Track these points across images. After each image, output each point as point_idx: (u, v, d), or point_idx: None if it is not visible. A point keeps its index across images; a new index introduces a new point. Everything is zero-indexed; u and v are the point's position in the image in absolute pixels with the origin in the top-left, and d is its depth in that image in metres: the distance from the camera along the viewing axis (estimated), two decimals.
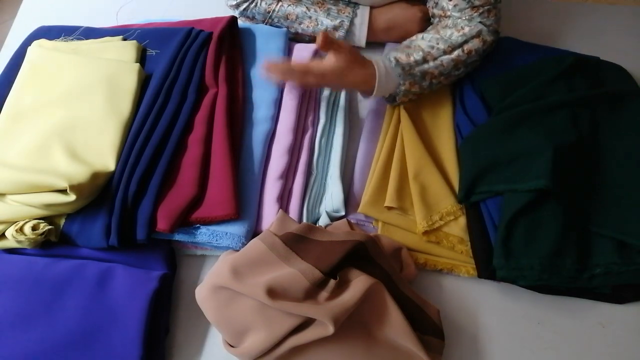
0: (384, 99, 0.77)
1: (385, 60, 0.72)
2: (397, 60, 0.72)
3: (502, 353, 0.64)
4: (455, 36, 0.75)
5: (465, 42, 0.75)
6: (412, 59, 0.73)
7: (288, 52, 0.85)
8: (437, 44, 0.74)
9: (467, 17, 0.76)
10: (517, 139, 0.70)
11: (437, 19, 0.80)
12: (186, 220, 0.65)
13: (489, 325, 0.65)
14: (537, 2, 0.98)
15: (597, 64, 0.82)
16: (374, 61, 0.72)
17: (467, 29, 0.75)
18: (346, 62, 0.68)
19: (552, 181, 0.62)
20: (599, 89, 0.78)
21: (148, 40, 0.81)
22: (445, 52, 0.74)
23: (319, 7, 0.84)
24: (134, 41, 0.79)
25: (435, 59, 0.73)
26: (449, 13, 0.77)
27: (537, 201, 0.64)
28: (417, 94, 0.75)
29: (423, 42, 0.75)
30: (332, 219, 0.70)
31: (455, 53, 0.74)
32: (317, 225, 0.69)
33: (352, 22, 0.84)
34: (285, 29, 0.85)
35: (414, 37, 0.78)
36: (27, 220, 0.61)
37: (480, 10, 0.76)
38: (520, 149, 0.68)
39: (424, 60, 0.73)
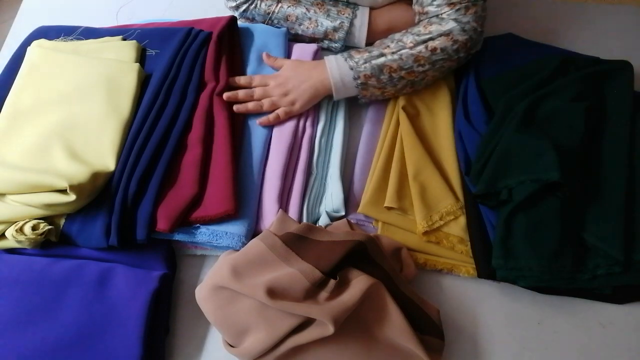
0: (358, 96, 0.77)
1: (338, 57, 0.76)
2: (349, 55, 0.75)
3: (502, 353, 0.64)
4: (421, 32, 0.73)
5: (431, 39, 0.72)
6: (367, 52, 0.74)
7: (288, 52, 0.84)
8: (402, 37, 0.74)
9: (442, 14, 0.74)
10: (527, 136, 0.69)
11: (417, 17, 0.79)
12: (186, 220, 0.65)
13: (489, 325, 0.65)
14: (538, 2, 0.98)
15: (597, 62, 0.81)
16: (325, 58, 0.76)
17: (434, 27, 0.73)
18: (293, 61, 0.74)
19: (561, 173, 0.61)
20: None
21: (148, 40, 0.81)
22: (405, 47, 0.73)
23: (319, 8, 0.84)
24: (134, 41, 0.79)
25: (393, 52, 0.73)
26: (426, 9, 0.75)
27: (534, 199, 0.64)
28: (382, 89, 0.76)
29: (393, 36, 0.76)
30: (332, 219, 0.70)
31: (418, 49, 0.73)
32: (317, 225, 0.69)
33: (351, 23, 0.84)
34: (285, 28, 0.85)
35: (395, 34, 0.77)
36: (27, 220, 0.61)
37: (457, 7, 0.72)
38: (530, 145, 0.67)
39: (381, 54, 0.73)
